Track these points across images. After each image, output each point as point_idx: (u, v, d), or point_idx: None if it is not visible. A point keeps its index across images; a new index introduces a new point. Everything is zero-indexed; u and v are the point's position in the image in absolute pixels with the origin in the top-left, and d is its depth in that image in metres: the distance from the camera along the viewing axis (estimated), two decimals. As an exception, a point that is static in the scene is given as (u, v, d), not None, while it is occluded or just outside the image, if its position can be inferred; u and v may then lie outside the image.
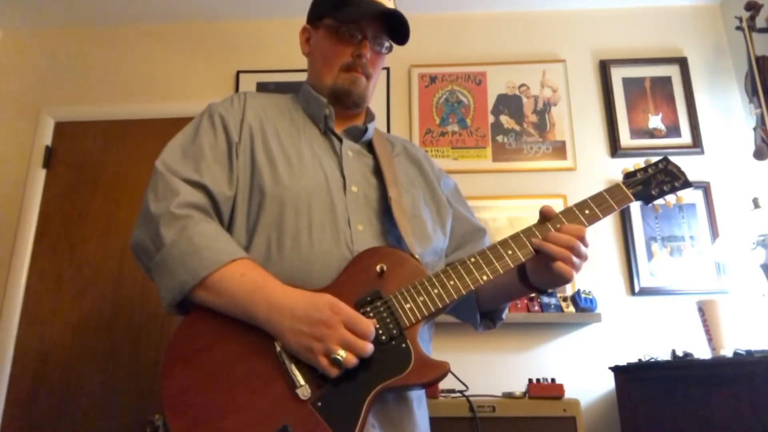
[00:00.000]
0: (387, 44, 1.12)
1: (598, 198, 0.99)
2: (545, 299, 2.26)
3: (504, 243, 0.94)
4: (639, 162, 1.07)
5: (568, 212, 0.96)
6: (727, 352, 1.90)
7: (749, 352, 1.72)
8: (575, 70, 2.71)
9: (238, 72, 2.73)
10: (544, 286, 0.99)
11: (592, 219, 0.96)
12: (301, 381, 0.81)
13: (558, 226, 0.94)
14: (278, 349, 0.83)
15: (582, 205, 0.97)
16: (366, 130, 1.12)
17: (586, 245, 0.93)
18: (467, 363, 2.13)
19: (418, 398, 0.97)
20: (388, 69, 2.67)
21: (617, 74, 2.68)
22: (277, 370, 0.82)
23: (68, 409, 2.32)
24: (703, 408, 1.72)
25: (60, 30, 2.89)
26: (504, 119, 2.64)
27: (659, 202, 1.02)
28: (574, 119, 2.63)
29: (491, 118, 2.64)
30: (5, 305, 2.44)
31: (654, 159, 1.06)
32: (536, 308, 2.25)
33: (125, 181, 2.61)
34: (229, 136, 1.01)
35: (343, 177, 1.02)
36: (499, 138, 2.61)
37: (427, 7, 2.77)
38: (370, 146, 1.12)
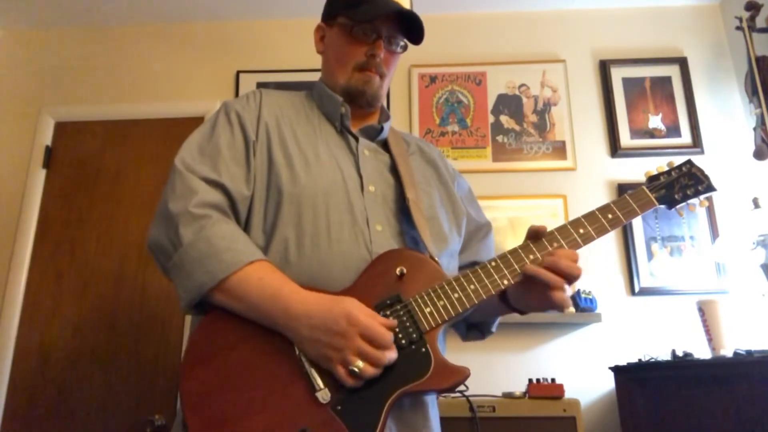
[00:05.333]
0: (402, 43, 1.11)
1: (621, 202, 0.97)
2: (545, 299, 2.25)
3: (526, 247, 0.93)
4: (661, 165, 1.04)
5: (590, 216, 0.95)
6: (727, 352, 1.90)
7: (749, 352, 1.72)
8: (575, 70, 2.71)
9: (238, 72, 2.73)
10: (527, 309, 0.98)
11: (615, 223, 0.95)
12: (321, 384, 0.81)
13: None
14: (297, 352, 0.83)
15: (605, 210, 0.96)
16: (382, 129, 1.11)
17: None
18: (467, 363, 2.11)
19: (432, 401, 0.97)
20: (388, 69, 2.67)
21: (617, 74, 2.67)
22: (297, 372, 0.82)
23: (68, 409, 2.32)
24: (703, 408, 1.72)
25: (60, 30, 2.89)
26: (504, 119, 2.64)
27: (682, 206, 1.00)
28: (574, 119, 2.63)
29: (491, 118, 2.64)
30: (5, 305, 2.44)
31: (677, 162, 1.04)
32: (536, 308, 2.25)
33: (125, 181, 2.61)
34: (246, 135, 1.00)
35: (360, 176, 1.01)
36: (499, 138, 2.61)
37: (427, 7, 2.76)
38: (385, 145, 1.11)
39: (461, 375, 0.84)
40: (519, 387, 1.94)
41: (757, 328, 2.19)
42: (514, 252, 0.92)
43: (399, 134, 1.18)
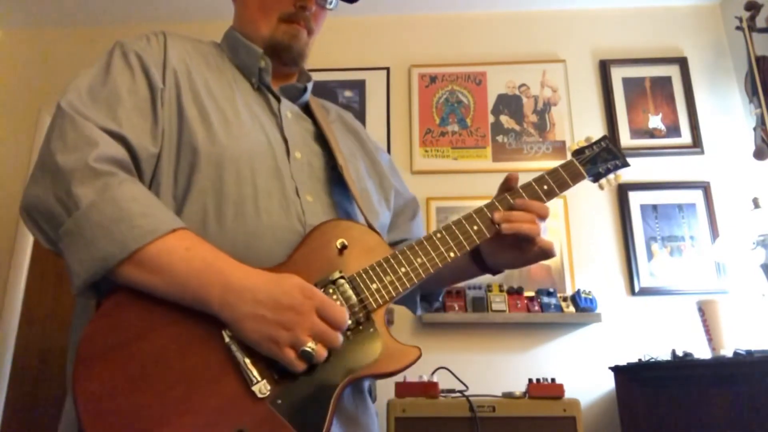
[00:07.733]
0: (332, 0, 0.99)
1: (554, 174, 0.95)
2: (545, 299, 2.26)
3: (469, 218, 0.88)
4: (581, 141, 1.06)
5: (527, 187, 0.93)
6: (727, 352, 1.90)
7: (749, 352, 1.72)
8: (575, 70, 2.71)
9: (238, 72, 2.74)
10: (504, 266, 0.95)
11: (551, 195, 0.94)
12: (257, 376, 0.69)
13: (515, 200, 0.89)
14: (227, 339, 0.70)
15: (540, 181, 0.94)
16: (305, 89, 1.00)
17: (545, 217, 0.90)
18: (467, 363, 2.13)
19: (368, 389, 0.90)
20: (388, 69, 2.67)
21: (617, 74, 2.68)
22: (226, 364, 0.69)
23: (68, 409, 2.32)
24: (703, 408, 1.72)
25: (60, 30, 2.89)
26: (504, 119, 2.64)
27: (603, 180, 1.02)
28: (574, 119, 2.63)
29: (491, 118, 2.64)
30: (5, 305, 2.44)
31: (594, 137, 1.06)
32: (536, 308, 2.25)
33: (125, 181, 2.61)
34: (151, 81, 0.84)
35: (285, 141, 0.89)
36: (499, 138, 2.61)
37: (427, 7, 2.76)
38: (306, 110, 1.00)
39: (413, 355, 0.76)
40: (519, 387, 1.94)
41: (757, 328, 2.19)
42: (458, 223, 0.87)
43: (318, 100, 1.07)
